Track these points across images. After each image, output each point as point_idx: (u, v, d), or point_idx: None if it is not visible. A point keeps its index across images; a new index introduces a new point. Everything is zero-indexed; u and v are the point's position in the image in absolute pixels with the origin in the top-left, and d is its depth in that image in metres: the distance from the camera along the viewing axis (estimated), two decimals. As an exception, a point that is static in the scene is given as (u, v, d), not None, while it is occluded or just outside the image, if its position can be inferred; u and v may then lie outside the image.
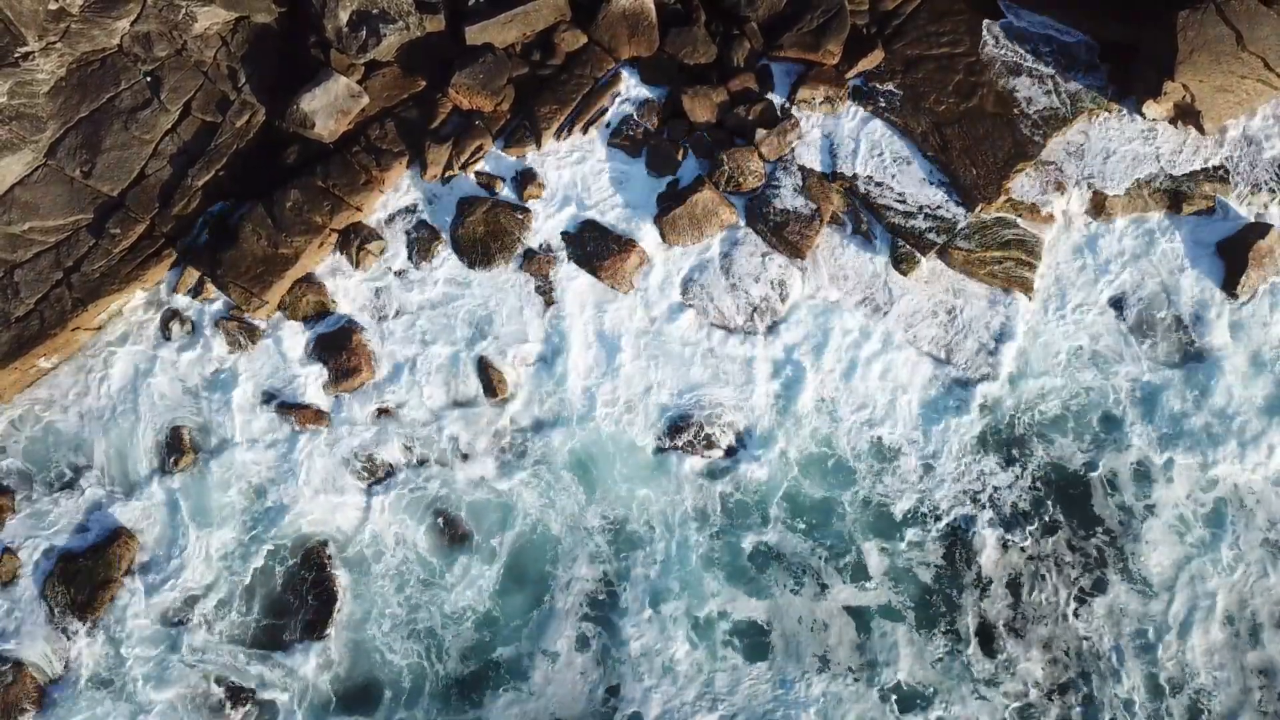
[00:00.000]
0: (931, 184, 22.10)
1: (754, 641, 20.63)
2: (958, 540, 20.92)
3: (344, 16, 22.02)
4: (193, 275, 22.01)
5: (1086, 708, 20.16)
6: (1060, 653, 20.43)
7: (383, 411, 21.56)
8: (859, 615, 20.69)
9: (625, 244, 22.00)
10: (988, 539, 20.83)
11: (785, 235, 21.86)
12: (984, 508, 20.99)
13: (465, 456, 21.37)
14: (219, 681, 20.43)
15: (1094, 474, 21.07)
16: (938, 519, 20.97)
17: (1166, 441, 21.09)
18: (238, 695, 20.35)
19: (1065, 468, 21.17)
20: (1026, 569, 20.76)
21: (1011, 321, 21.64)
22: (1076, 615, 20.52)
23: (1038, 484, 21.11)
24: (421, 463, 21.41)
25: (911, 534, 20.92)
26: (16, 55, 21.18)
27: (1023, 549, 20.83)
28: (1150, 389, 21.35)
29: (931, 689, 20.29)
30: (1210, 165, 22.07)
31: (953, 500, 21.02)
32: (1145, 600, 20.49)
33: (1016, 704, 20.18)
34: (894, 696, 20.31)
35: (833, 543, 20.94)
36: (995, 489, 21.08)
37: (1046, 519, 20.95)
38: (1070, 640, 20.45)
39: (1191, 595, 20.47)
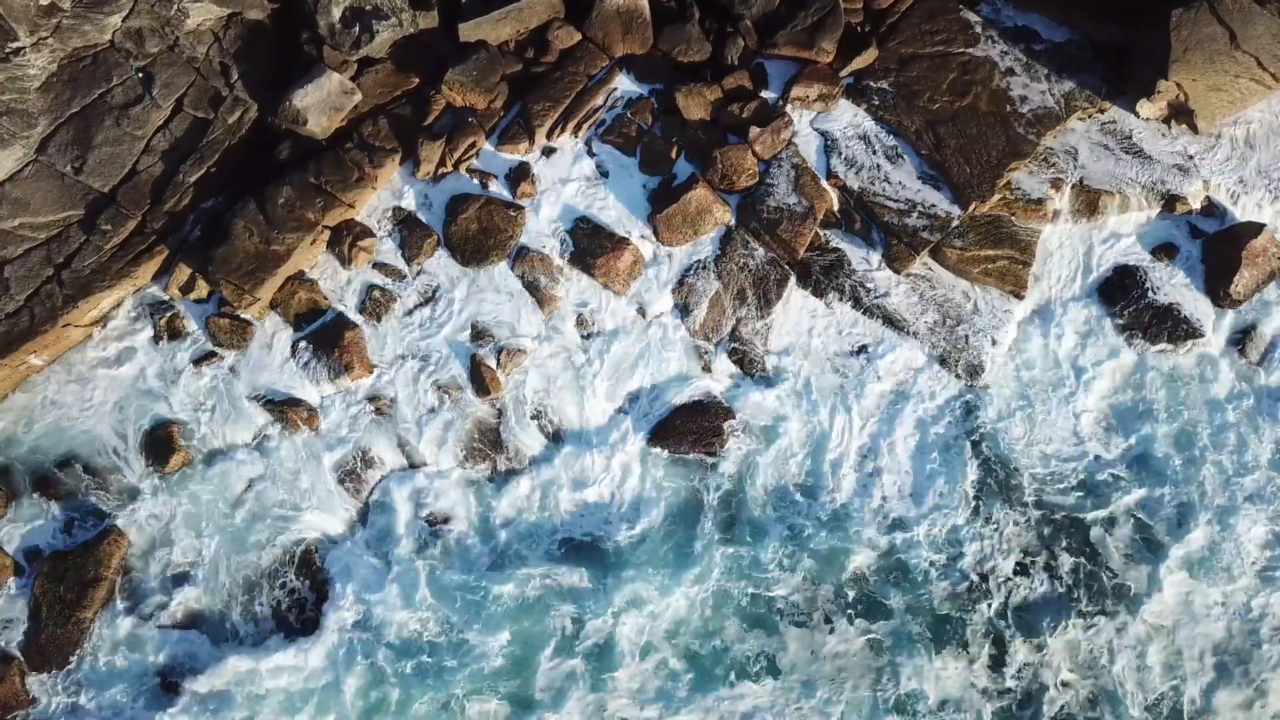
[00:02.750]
0: (925, 182, 22.09)
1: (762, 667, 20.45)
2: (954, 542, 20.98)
3: (337, 13, 21.98)
4: (184, 272, 21.91)
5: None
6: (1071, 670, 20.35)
7: (375, 409, 21.48)
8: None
9: (619, 242, 21.96)
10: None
11: (779, 233, 21.83)
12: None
13: (457, 455, 21.32)
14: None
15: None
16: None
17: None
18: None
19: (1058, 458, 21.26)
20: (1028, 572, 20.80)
21: (1003, 320, 21.67)
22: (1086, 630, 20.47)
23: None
24: (412, 463, 21.33)
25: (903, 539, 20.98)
26: (8, 50, 21.12)
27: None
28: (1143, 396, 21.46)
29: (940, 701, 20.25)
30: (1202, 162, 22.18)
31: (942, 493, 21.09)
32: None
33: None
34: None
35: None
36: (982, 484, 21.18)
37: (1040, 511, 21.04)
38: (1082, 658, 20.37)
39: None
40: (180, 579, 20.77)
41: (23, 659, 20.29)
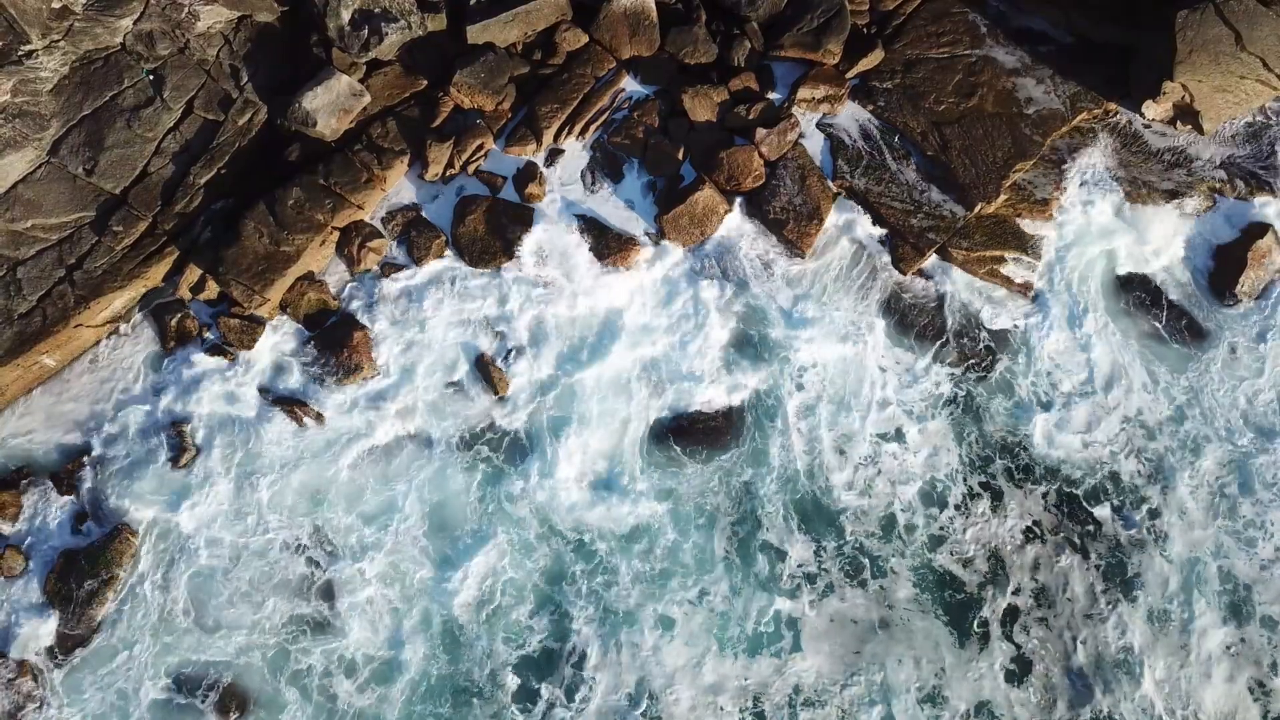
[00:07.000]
0: (931, 183, 22.17)
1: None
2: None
3: (346, 15, 22.10)
4: (195, 273, 22.06)
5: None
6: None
7: (381, 407, 21.61)
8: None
9: (625, 242, 22.08)
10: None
11: (785, 234, 21.92)
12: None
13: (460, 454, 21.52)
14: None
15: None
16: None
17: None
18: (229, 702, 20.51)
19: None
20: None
21: (1008, 319, 21.78)
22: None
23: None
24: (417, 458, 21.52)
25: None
26: (20, 53, 21.25)
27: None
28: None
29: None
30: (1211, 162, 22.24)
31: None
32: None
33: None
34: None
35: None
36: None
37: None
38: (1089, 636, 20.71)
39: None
40: (186, 580, 20.88)
41: (34, 657, 20.45)
